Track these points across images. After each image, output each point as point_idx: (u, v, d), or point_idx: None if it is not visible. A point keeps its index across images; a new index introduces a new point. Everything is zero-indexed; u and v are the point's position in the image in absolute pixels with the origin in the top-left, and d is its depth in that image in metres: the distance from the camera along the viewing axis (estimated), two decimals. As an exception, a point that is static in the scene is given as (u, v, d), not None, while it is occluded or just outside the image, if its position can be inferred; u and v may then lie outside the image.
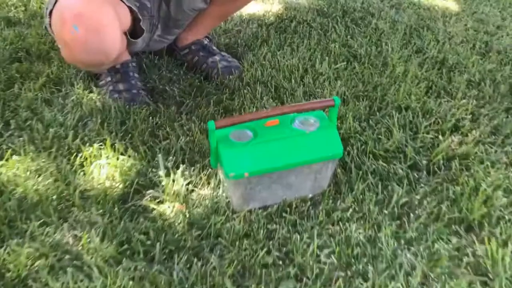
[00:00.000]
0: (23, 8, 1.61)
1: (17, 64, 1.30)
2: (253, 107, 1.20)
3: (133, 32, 1.14)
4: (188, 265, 0.81)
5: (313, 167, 0.92)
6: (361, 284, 0.79)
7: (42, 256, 0.80)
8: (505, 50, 1.59)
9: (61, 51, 1.09)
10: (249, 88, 1.28)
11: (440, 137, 1.15)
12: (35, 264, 0.78)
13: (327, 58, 1.44)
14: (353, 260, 0.83)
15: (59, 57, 1.33)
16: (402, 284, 0.79)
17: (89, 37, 0.97)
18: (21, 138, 1.04)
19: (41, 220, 0.86)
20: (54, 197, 0.91)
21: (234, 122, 0.87)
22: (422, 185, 1.02)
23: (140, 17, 1.09)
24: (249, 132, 0.90)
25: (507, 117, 1.26)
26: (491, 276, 0.83)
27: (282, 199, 0.94)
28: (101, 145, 1.04)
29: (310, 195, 0.96)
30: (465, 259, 0.85)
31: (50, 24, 1.08)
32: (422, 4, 1.92)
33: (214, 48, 1.41)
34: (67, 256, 0.80)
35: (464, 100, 1.30)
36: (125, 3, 1.04)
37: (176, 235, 0.86)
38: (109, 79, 1.22)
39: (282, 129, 0.92)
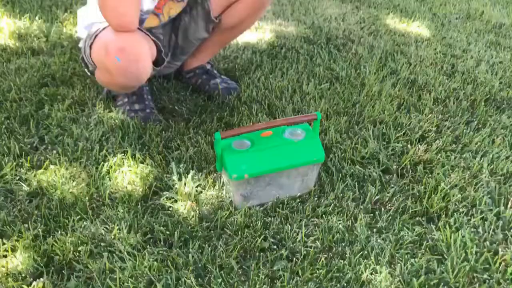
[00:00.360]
0: (44, 39, 1.82)
1: (45, 88, 1.50)
2: (250, 122, 1.41)
3: (154, 61, 1.35)
4: (200, 250, 1.00)
5: (301, 170, 1.13)
6: (340, 262, 0.99)
7: (82, 243, 0.98)
8: (468, 71, 1.82)
9: (100, 76, 1.30)
10: (246, 106, 1.49)
11: (409, 145, 1.36)
12: (77, 250, 0.97)
13: (312, 80, 1.66)
14: (333, 244, 1.03)
15: (81, 82, 1.53)
16: (373, 262, 0.99)
17: (128, 67, 1.16)
18: (54, 151, 1.24)
19: (79, 216, 1.05)
20: (87, 198, 1.10)
21: (235, 133, 1.08)
22: (392, 185, 1.22)
23: (162, 49, 1.30)
24: (248, 141, 1.11)
25: (467, 128, 1.47)
26: (445, 256, 1.02)
27: (275, 198, 1.14)
28: (123, 155, 1.23)
29: (299, 194, 1.16)
30: (425, 243, 1.05)
31: (90, 55, 1.27)
32: (398, 31, 2.16)
33: (215, 72, 1.62)
34: (102, 244, 0.99)
35: (430, 115, 1.51)
36: (151, 38, 1.25)
37: (189, 227, 1.05)
38: (126, 100, 1.43)
39: (275, 138, 1.12)
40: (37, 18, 1.97)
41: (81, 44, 1.43)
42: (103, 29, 1.21)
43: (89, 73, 1.39)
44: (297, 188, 1.16)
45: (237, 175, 1.06)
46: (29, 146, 1.25)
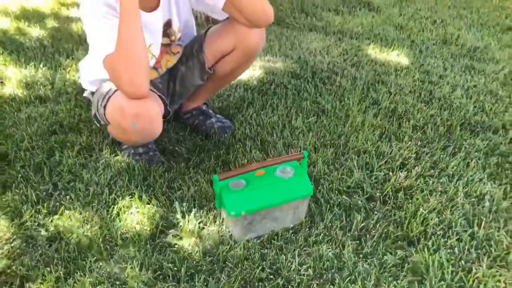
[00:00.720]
0: (50, 87, 1.95)
1: (55, 136, 1.62)
2: (245, 159, 1.54)
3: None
4: (205, 283, 1.12)
5: (292, 204, 1.25)
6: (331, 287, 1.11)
7: (100, 283, 1.10)
8: (444, 97, 1.96)
9: (113, 132, 1.43)
10: (240, 143, 1.62)
11: (390, 173, 1.49)
12: (96, 289, 1.09)
13: (300, 114, 1.80)
14: (324, 271, 1.15)
15: (87, 128, 1.66)
16: (359, 286, 1.11)
17: (144, 129, 1.29)
18: (68, 197, 1.36)
19: (95, 258, 1.17)
20: (101, 239, 1.22)
21: (232, 175, 1.21)
22: (376, 212, 1.34)
23: (168, 102, 1.42)
24: (243, 181, 1.23)
25: (444, 153, 1.61)
26: (425, 276, 1.15)
27: (271, 230, 1.26)
28: (130, 197, 1.35)
29: (292, 225, 1.28)
30: (406, 266, 1.17)
31: (104, 114, 1.37)
32: (378, 60, 2.31)
33: (211, 111, 1.75)
34: (117, 282, 1.11)
35: (410, 142, 1.65)
36: (157, 94, 1.37)
37: (194, 262, 1.17)
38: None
39: (267, 177, 1.25)
40: (41, 65, 2.11)
41: (86, 95, 1.57)
42: (115, 91, 1.32)
43: (98, 125, 1.51)
44: (290, 220, 1.28)
45: (235, 213, 1.18)
46: (44, 193, 1.37)
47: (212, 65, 1.55)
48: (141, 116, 1.26)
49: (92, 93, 1.52)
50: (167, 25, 1.45)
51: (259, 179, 1.24)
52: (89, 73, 1.50)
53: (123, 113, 1.27)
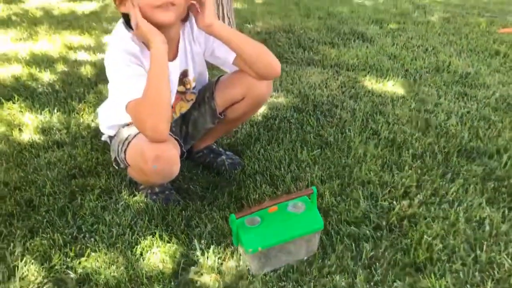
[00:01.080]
0: (65, 131, 2.05)
1: (74, 180, 1.71)
2: (256, 194, 1.62)
3: None
4: (228, 316, 1.20)
5: (305, 238, 1.34)
6: (346, 315, 1.19)
7: (130, 321, 1.18)
8: (440, 125, 2.07)
9: (134, 174, 1.51)
10: (251, 179, 1.71)
11: (394, 202, 1.58)
12: (127, 327, 1.16)
13: (305, 147, 1.90)
14: (338, 300, 1.23)
15: (105, 171, 1.75)
16: (372, 312, 1.19)
17: (164, 171, 1.38)
18: (92, 239, 1.44)
19: (123, 297, 1.25)
20: (127, 279, 1.30)
21: (247, 213, 1.29)
22: (384, 241, 1.43)
23: (183, 144, 1.52)
24: (258, 218, 1.32)
25: (443, 180, 1.70)
26: (433, 301, 1.23)
27: (286, 263, 1.34)
28: (152, 236, 1.44)
29: (305, 258, 1.37)
30: (415, 291, 1.26)
31: (124, 158, 1.46)
32: (375, 91, 2.42)
33: (221, 149, 1.85)
34: (146, 319, 1.18)
35: (410, 171, 1.74)
36: (172, 135, 1.46)
37: (217, 297, 1.25)
38: (147, 184, 1.65)
39: (280, 213, 1.34)
40: (55, 110, 2.21)
41: (104, 138, 1.67)
42: (135, 136, 1.42)
43: (117, 168, 1.60)
44: (304, 253, 1.37)
45: (252, 249, 1.27)
46: (70, 236, 1.45)
47: (222, 111, 1.66)
48: (161, 158, 1.35)
49: (110, 137, 1.62)
50: (183, 74, 1.57)
51: (273, 215, 1.33)
52: (108, 118, 1.60)
53: (144, 156, 1.36)
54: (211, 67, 1.73)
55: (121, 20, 1.45)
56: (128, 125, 1.52)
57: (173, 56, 1.50)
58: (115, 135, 1.57)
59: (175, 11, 1.35)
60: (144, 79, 1.32)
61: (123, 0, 1.38)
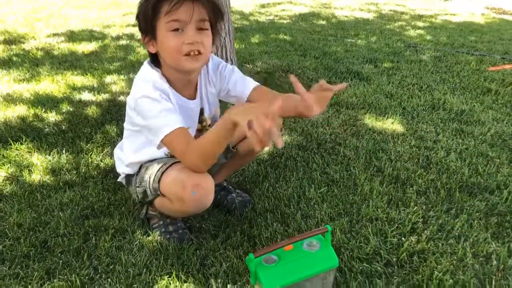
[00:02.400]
0: (75, 172, 2.08)
1: (87, 221, 1.73)
2: (268, 233, 1.66)
3: None
4: None
5: (321, 275, 1.37)
6: None
7: None
8: (441, 161, 2.14)
9: (165, 204, 1.56)
10: (261, 217, 1.75)
11: (403, 238, 1.63)
12: None
13: (312, 185, 1.95)
14: (357, 337, 1.26)
15: (117, 211, 1.78)
16: None
17: (201, 198, 1.44)
18: (109, 279, 1.46)
19: (144, 338, 1.26)
20: (146, 320, 1.31)
21: (264, 252, 1.33)
22: (395, 277, 1.46)
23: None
24: (274, 256, 1.35)
25: (448, 216, 1.75)
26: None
27: None
28: (168, 276, 1.46)
29: (321, 295, 1.39)
30: (430, 326, 1.29)
31: (158, 188, 1.52)
32: (376, 129, 2.50)
33: (230, 187, 1.89)
34: None
35: (416, 207, 1.80)
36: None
37: (236, 336, 1.27)
38: (161, 222, 1.68)
39: (296, 251, 1.37)
40: (63, 151, 2.25)
41: (120, 179, 1.72)
42: (168, 167, 1.49)
43: (140, 201, 1.65)
44: None
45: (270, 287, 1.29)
46: (86, 277, 1.47)
47: (235, 145, 1.72)
48: (200, 186, 1.42)
49: (128, 176, 1.68)
50: (200, 112, 1.65)
51: (289, 254, 1.36)
52: (127, 157, 1.66)
53: (184, 183, 1.43)
54: (223, 104, 1.80)
55: (147, 60, 1.54)
56: (154, 160, 1.59)
57: (193, 96, 1.59)
58: (137, 173, 1.62)
59: (201, 60, 1.43)
60: (176, 114, 1.42)
61: (151, 40, 1.45)
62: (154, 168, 1.54)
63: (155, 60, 1.52)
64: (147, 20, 1.43)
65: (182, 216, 1.68)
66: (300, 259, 1.36)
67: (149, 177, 1.55)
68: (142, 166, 1.61)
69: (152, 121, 1.43)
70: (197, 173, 1.43)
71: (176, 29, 1.40)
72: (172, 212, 1.62)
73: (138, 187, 1.62)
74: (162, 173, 1.50)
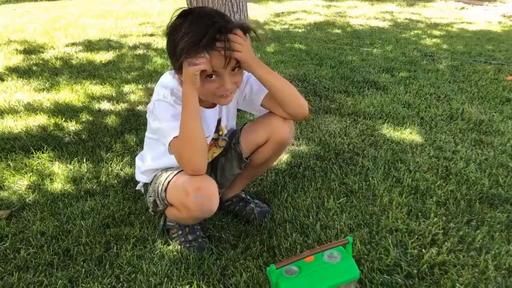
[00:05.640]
0: (95, 180, 2.11)
1: (109, 229, 1.76)
2: (287, 243, 1.66)
3: None
4: None
5: (341, 287, 1.37)
6: None
7: None
8: (460, 172, 2.12)
9: (174, 213, 1.56)
10: (280, 227, 1.75)
11: (423, 250, 1.62)
12: None
13: (331, 195, 1.95)
14: None
15: (138, 220, 1.80)
16: None
17: (205, 202, 1.44)
18: (131, 288, 1.48)
19: None
20: (168, 329, 1.32)
21: (286, 263, 1.33)
22: (416, 289, 1.46)
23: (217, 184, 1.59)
24: (295, 267, 1.36)
25: (468, 227, 1.74)
26: None
27: None
28: (189, 286, 1.47)
29: (342, 307, 1.39)
30: None
31: (165, 197, 1.54)
32: (394, 139, 2.49)
33: (249, 197, 1.90)
34: None
35: (436, 218, 1.79)
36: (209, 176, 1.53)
37: None
38: (180, 232, 1.69)
39: (317, 263, 1.37)
40: (84, 160, 2.28)
41: (139, 187, 1.74)
42: (174, 175, 1.51)
43: (152, 212, 1.67)
44: None
45: None
46: (109, 286, 1.48)
47: (248, 155, 1.73)
48: (201, 189, 1.43)
49: (146, 185, 1.70)
50: (218, 122, 1.67)
51: (310, 265, 1.37)
52: (144, 164, 1.69)
53: (186, 189, 1.44)
54: (240, 114, 1.82)
55: (169, 70, 1.59)
56: (166, 169, 1.60)
57: (212, 105, 1.62)
58: (151, 181, 1.65)
59: (234, 94, 1.49)
60: None
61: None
62: (163, 177, 1.56)
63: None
64: (178, 59, 1.41)
65: (193, 222, 1.67)
66: (321, 270, 1.37)
67: (158, 187, 1.57)
68: (156, 175, 1.63)
69: (164, 124, 1.47)
70: (199, 177, 1.44)
71: (210, 75, 1.44)
72: (182, 220, 1.64)
73: (150, 196, 1.64)
74: (169, 181, 1.52)
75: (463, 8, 8.46)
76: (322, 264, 1.38)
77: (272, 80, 1.55)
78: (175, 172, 1.53)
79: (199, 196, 1.42)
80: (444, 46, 4.91)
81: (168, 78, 1.56)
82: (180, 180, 1.49)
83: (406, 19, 6.97)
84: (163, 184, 1.54)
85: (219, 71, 1.42)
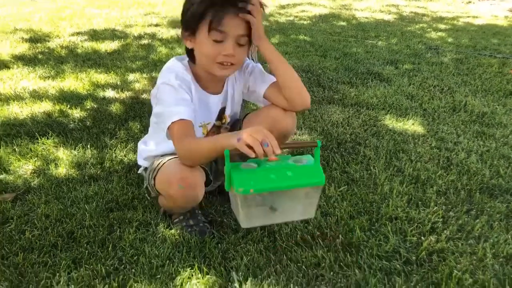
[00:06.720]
0: (99, 166, 2.14)
1: (112, 213, 1.78)
2: (288, 228, 1.67)
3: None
4: None
5: (303, 191, 1.30)
6: None
7: None
8: (461, 163, 2.13)
9: (163, 201, 1.60)
10: (281, 214, 1.77)
11: (422, 237, 1.64)
12: None
13: (332, 183, 1.97)
14: (376, 332, 1.27)
15: (141, 204, 1.83)
16: None
17: (189, 192, 1.48)
18: (133, 270, 1.50)
19: (167, 326, 1.29)
20: (169, 309, 1.35)
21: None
22: (414, 275, 1.47)
23: (209, 172, 1.61)
24: (255, 164, 1.30)
25: (468, 217, 1.75)
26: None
27: (277, 222, 1.32)
28: (190, 268, 1.49)
29: (301, 219, 1.37)
30: (449, 324, 1.30)
31: (154, 185, 1.57)
32: (396, 130, 2.51)
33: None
34: None
35: (436, 207, 1.80)
36: (201, 166, 1.56)
37: (257, 328, 1.29)
38: (181, 217, 1.71)
39: (280, 163, 1.30)
40: (88, 146, 2.31)
41: (140, 171, 1.76)
42: (163, 164, 1.53)
43: (149, 198, 1.69)
44: (299, 213, 1.36)
45: (243, 189, 1.23)
46: (111, 267, 1.51)
47: None
48: (186, 179, 1.46)
49: (145, 169, 1.73)
50: (222, 110, 1.69)
51: (271, 163, 1.28)
52: (145, 150, 1.72)
53: (170, 178, 1.47)
54: (244, 104, 1.83)
55: (175, 56, 1.60)
56: (163, 156, 1.62)
57: (219, 91, 1.64)
58: (149, 166, 1.67)
59: (231, 70, 1.49)
60: (188, 106, 1.46)
61: (190, 36, 1.49)
62: (155, 164, 1.58)
63: (191, 55, 1.57)
64: (194, 19, 1.47)
65: (181, 210, 1.70)
66: (282, 169, 1.27)
67: (149, 174, 1.60)
68: (153, 162, 1.65)
69: (166, 108, 1.48)
70: (186, 167, 1.46)
71: (217, 39, 1.45)
72: (170, 208, 1.67)
73: (145, 182, 1.66)
74: (158, 169, 1.54)
75: (469, 2, 8.42)
76: (285, 164, 1.30)
77: (276, 59, 1.57)
78: (166, 159, 1.55)
79: (183, 185, 1.45)
80: (449, 40, 4.90)
81: (173, 63, 1.58)
82: (167, 169, 1.51)
83: (411, 12, 6.95)
84: (153, 171, 1.56)
85: (227, 31, 1.43)
